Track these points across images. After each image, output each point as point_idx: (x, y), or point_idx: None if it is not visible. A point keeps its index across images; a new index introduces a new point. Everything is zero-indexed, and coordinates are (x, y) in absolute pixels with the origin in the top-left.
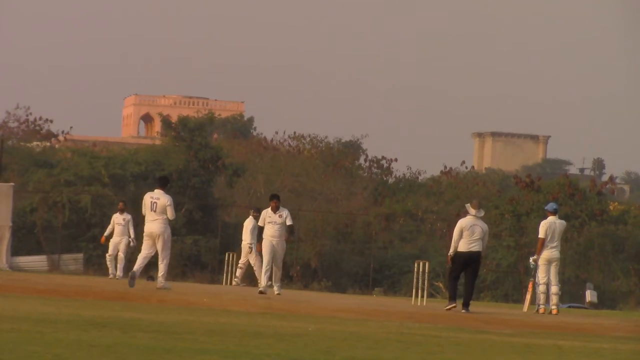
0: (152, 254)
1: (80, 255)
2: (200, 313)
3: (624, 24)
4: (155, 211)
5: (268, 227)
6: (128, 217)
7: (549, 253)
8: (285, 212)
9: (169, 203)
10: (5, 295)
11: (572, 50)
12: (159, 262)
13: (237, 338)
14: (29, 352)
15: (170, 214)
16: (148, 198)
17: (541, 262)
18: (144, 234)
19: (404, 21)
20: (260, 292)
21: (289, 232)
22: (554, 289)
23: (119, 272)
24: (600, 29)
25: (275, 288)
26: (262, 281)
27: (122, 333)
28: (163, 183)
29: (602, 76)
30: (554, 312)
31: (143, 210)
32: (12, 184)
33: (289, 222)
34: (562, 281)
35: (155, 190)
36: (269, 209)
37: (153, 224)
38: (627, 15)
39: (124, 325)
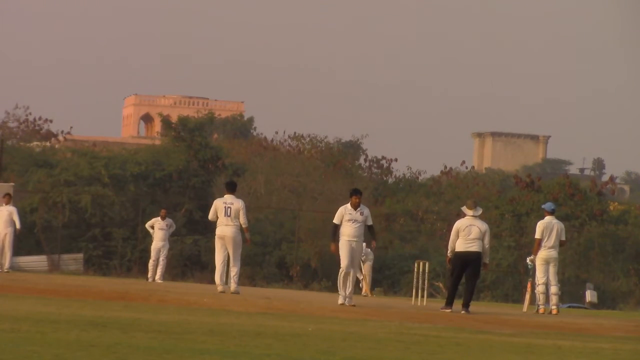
0: (227, 255)
1: (80, 255)
2: (200, 313)
3: (624, 23)
4: (230, 216)
5: (347, 225)
6: (170, 222)
7: (546, 253)
8: (366, 211)
9: (242, 207)
10: (5, 295)
11: (572, 50)
12: (231, 266)
13: (237, 338)
14: (29, 352)
15: (242, 218)
16: (220, 204)
17: (538, 262)
18: (216, 237)
19: (404, 21)
20: (342, 305)
21: (372, 235)
22: (554, 289)
23: (159, 277)
24: (601, 29)
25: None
26: (341, 291)
27: (122, 333)
28: (233, 188)
29: (602, 76)
30: (554, 312)
31: (211, 215)
32: (12, 184)
33: (369, 223)
34: (562, 281)
35: (226, 196)
36: (348, 205)
37: (227, 228)
38: (627, 14)
39: (124, 325)
